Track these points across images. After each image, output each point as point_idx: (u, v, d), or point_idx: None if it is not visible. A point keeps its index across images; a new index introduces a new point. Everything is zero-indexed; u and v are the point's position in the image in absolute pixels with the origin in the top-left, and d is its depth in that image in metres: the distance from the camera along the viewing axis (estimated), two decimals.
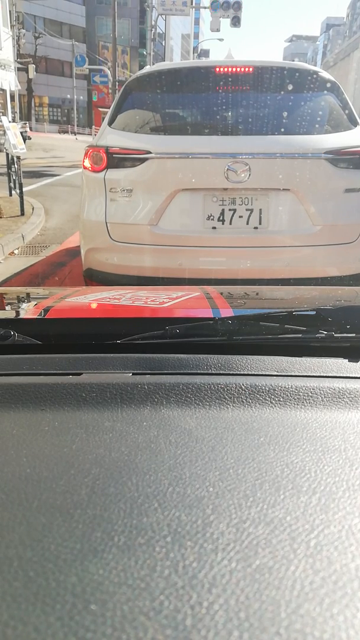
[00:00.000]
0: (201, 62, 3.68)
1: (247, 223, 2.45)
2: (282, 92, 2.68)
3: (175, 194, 2.44)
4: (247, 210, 2.44)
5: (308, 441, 0.57)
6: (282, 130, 2.53)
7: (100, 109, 45.65)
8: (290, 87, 2.66)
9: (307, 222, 2.45)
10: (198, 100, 2.80)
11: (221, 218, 2.44)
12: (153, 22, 18.89)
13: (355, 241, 2.48)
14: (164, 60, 49.65)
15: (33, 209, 7.32)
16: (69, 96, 42.31)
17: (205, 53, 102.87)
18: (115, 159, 2.47)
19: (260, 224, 2.45)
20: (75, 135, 37.17)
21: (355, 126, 2.60)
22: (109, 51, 44.82)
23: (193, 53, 62.96)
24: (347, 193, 2.46)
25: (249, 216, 2.44)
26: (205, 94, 2.75)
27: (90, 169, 2.54)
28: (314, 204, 2.44)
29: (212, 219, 2.44)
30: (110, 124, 2.66)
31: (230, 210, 2.44)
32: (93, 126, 35.60)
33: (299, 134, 2.51)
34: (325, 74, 2.76)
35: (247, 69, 2.68)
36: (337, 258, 2.52)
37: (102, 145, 2.52)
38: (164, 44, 53.48)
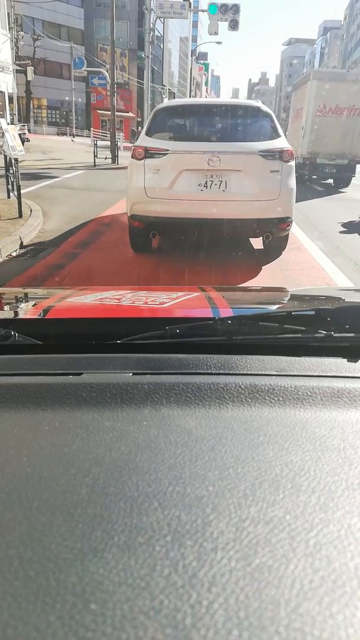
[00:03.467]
0: (196, 99, 7.69)
1: (219, 188, 4.49)
2: (240, 118, 4.99)
3: (181, 172, 4.45)
4: (219, 181, 4.46)
5: (307, 440, 0.57)
6: (238, 139, 4.72)
7: (99, 111, 45.65)
8: (244, 115, 5.00)
9: (250, 187, 4.48)
10: (194, 121, 5.18)
11: (205, 184, 4.48)
12: (151, 25, 18.95)
13: (277, 199, 4.51)
14: (162, 63, 49.61)
15: (31, 211, 7.31)
16: (67, 98, 42.26)
17: (203, 56, 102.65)
18: (150, 153, 4.47)
19: (226, 188, 4.49)
20: (73, 137, 37.12)
21: (278, 137, 4.70)
22: (107, 53, 44.80)
23: (191, 56, 62.98)
24: (271, 173, 4.50)
25: (219, 184, 4.48)
26: (198, 118, 5.17)
27: (136, 158, 4.54)
28: (254, 178, 4.48)
29: (201, 185, 4.48)
30: (146, 134, 4.74)
31: (210, 181, 4.47)
32: (91, 128, 35.61)
33: (246, 142, 4.63)
34: (265, 108, 4.96)
35: (221, 105, 5.33)
36: (267, 207, 4.54)
37: (143, 146, 4.55)
38: (162, 47, 53.57)
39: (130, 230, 4.97)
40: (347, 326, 0.85)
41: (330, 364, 0.78)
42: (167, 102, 6.04)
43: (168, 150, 4.48)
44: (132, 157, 4.62)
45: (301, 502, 0.47)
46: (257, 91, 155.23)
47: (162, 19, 53.77)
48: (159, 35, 51.17)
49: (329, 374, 0.74)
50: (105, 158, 17.21)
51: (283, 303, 1.31)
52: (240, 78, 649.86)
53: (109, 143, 21.71)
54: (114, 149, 17.30)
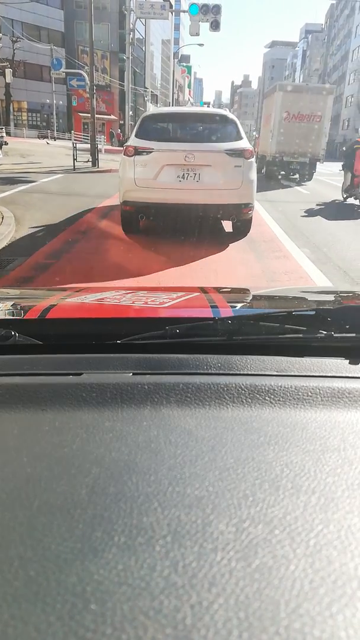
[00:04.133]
0: (176, 108, 9.16)
1: (193, 179, 5.51)
2: (210, 124, 6.09)
3: (163, 166, 5.47)
4: (193, 173, 5.49)
5: (307, 441, 0.58)
6: (209, 140, 5.78)
7: (80, 114, 45.13)
8: (214, 122, 6.10)
9: (218, 179, 5.53)
10: (174, 126, 6.21)
11: (183, 176, 5.50)
12: (131, 26, 18.48)
13: (239, 188, 5.58)
14: (145, 65, 49.37)
15: (2, 217, 6.93)
16: (48, 101, 41.68)
17: (185, 58, 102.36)
18: (139, 151, 5.49)
19: (199, 179, 5.53)
20: (54, 139, 36.56)
21: (241, 139, 5.80)
22: (87, 55, 44.42)
23: (173, 59, 62.99)
24: (235, 167, 5.54)
25: (194, 176, 5.50)
26: (177, 123, 6.22)
27: (127, 155, 5.60)
28: (221, 171, 5.53)
29: (179, 177, 5.50)
30: (136, 136, 5.80)
31: (186, 173, 5.49)
32: (72, 131, 35.15)
33: (216, 142, 5.70)
34: (231, 115, 6.18)
35: (196, 113, 6.80)
36: (231, 195, 5.59)
37: (133, 145, 5.60)
38: (144, 49, 53.33)
39: (122, 214, 6.06)
40: (347, 326, 0.85)
41: (331, 364, 0.78)
42: (152, 110, 8.20)
43: (153, 149, 5.58)
44: (123, 154, 5.76)
45: (301, 503, 0.47)
46: (239, 93, 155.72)
47: (143, 21, 53.49)
48: (141, 37, 50.90)
49: (329, 375, 0.75)
50: (87, 161, 16.76)
51: (283, 303, 1.30)
52: (223, 80, 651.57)
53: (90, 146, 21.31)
54: (94, 152, 16.76)
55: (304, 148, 16.09)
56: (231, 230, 6.32)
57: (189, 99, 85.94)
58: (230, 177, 5.52)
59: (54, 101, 39.26)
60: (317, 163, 16.68)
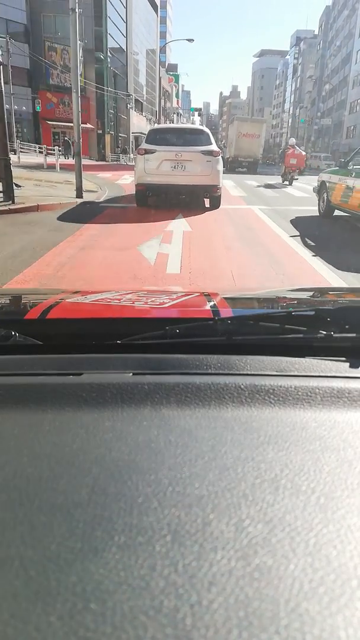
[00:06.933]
0: (172, 125, 16.06)
1: (181, 169, 9.51)
2: (192, 135, 10.15)
3: (162, 160, 9.44)
4: (181, 165, 9.48)
5: (307, 441, 0.58)
6: (191, 144, 9.66)
7: (49, 122, 37.24)
8: (194, 133, 10.30)
9: (196, 169, 9.44)
10: (170, 135, 10.17)
11: (175, 167, 9.45)
12: None
13: (210, 175, 9.47)
14: (127, 67, 42.14)
15: None
16: (7, 106, 33.97)
17: (173, 67, 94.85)
18: (147, 151, 9.56)
19: (184, 169, 9.46)
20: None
21: (211, 144, 9.83)
22: (57, 53, 36.84)
23: (159, 66, 55.61)
24: (207, 162, 9.44)
25: (182, 167, 9.45)
26: (172, 133, 10.34)
27: (140, 154, 9.71)
28: (198, 164, 9.46)
29: (172, 167, 9.49)
30: (145, 142, 9.90)
31: (177, 165, 9.46)
32: (35, 144, 27.38)
33: (196, 146, 9.64)
34: (206, 129, 10.45)
35: (184, 128, 11.91)
36: (205, 179, 9.50)
37: (143, 148, 9.74)
38: (125, 51, 45.90)
39: (136, 192, 9.66)
40: (347, 326, 0.84)
41: (330, 364, 0.77)
42: (156, 125, 14.24)
43: (156, 150, 9.26)
44: (137, 154, 9.74)
45: (301, 502, 0.47)
46: (228, 104, 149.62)
47: (123, 18, 44.13)
48: (121, 47, 43.44)
49: (329, 374, 0.74)
50: None
51: (283, 303, 1.27)
52: (211, 91, 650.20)
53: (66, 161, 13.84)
54: (8, 175, 9.13)
55: (250, 153, 29.17)
56: (208, 206, 10.04)
57: (177, 108, 78.93)
58: (204, 168, 9.22)
59: (13, 106, 31.45)
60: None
